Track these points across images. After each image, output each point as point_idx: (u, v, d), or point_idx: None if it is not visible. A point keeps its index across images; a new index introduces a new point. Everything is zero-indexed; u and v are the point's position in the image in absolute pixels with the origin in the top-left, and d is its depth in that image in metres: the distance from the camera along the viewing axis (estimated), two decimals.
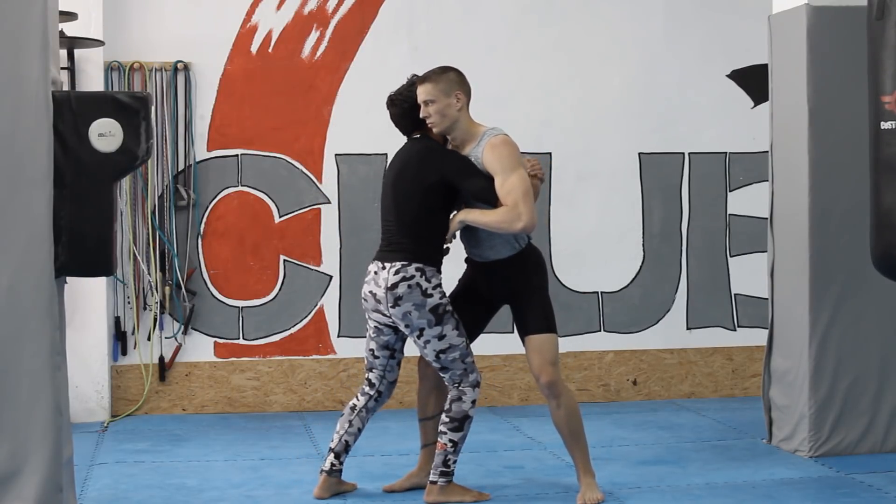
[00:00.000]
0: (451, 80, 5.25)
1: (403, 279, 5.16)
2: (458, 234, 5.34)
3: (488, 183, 5.16)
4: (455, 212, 5.30)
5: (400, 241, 5.25)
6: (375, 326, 5.35)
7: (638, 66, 7.82)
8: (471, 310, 5.37)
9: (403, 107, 5.36)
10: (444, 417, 5.26)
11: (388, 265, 5.20)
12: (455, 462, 5.27)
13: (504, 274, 5.30)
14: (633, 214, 7.85)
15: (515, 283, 5.29)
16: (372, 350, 5.42)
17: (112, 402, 7.29)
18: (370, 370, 5.45)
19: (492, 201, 5.15)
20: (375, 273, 5.24)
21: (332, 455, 5.42)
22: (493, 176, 5.14)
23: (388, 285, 5.16)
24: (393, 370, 5.45)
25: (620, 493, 5.44)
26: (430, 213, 5.22)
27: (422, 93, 5.25)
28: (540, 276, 5.33)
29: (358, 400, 5.47)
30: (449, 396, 5.29)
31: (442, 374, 5.30)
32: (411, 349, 5.51)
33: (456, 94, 5.23)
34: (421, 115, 5.27)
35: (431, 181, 5.21)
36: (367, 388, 5.46)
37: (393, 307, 5.17)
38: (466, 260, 5.44)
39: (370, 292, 5.26)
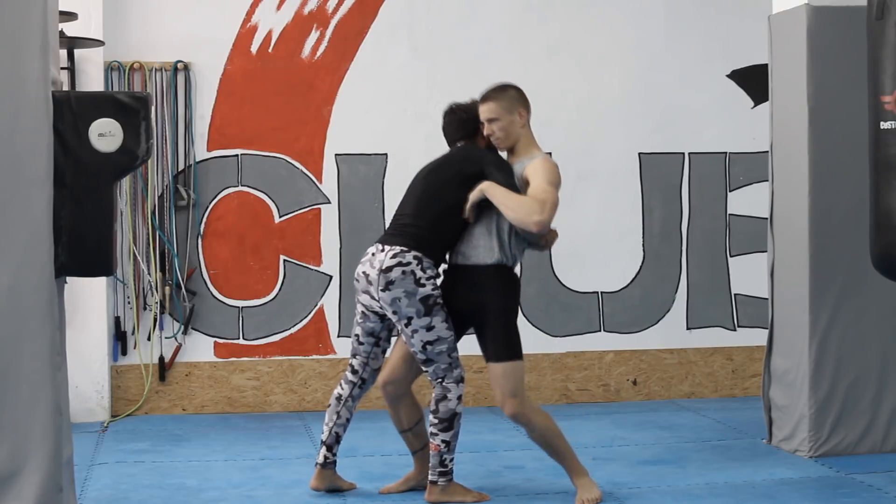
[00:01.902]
0: (513, 97, 5.30)
1: (399, 264, 5.13)
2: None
3: (515, 186, 5.18)
4: (472, 220, 5.27)
5: (409, 226, 5.23)
6: (362, 312, 5.33)
7: (638, 66, 7.82)
8: None
9: (462, 116, 5.39)
10: (432, 419, 5.22)
11: (387, 248, 5.18)
12: (452, 460, 5.25)
13: (476, 281, 5.22)
14: (633, 214, 7.85)
15: (486, 297, 5.20)
16: (357, 335, 5.40)
17: (112, 402, 7.30)
18: (354, 356, 5.44)
19: None
20: (373, 255, 5.22)
21: (324, 448, 5.42)
22: (530, 181, 5.15)
23: (383, 267, 5.13)
24: (377, 357, 5.43)
25: (620, 493, 5.44)
26: (455, 210, 5.19)
27: (485, 111, 5.28)
28: (510, 298, 5.25)
29: (342, 389, 5.45)
30: (433, 396, 5.24)
31: (425, 368, 5.24)
32: None
33: (519, 111, 5.29)
34: (485, 133, 5.32)
35: (470, 172, 5.22)
36: (350, 376, 5.44)
37: (383, 291, 5.13)
38: (444, 271, 5.38)
39: (363, 272, 5.22)
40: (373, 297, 5.21)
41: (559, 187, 5.21)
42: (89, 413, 7.15)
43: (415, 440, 5.47)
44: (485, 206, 5.21)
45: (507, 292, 5.24)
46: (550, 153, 7.66)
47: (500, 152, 5.42)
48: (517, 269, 5.37)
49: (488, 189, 5.14)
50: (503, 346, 5.18)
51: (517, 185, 5.21)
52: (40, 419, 4.34)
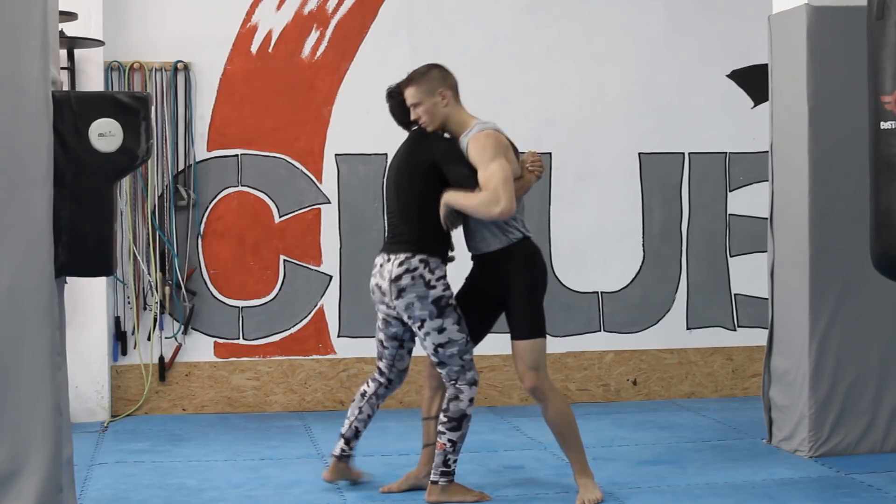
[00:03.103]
0: (434, 78, 5.29)
1: (407, 271, 5.17)
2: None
3: (470, 172, 5.17)
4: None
5: (403, 233, 5.27)
6: (383, 319, 5.40)
7: (638, 66, 7.82)
8: (474, 308, 5.35)
9: (399, 98, 5.41)
10: (441, 417, 5.26)
11: (392, 257, 5.23)
12: (455, 461, 5.28)
13: (495, 267, 5.28)
14: (633, 214, 7.85)
15: (505, 279, 5.25)
16: (381, 341, 5.48)
17: (112, 402, 7.29)
18: (380, 359, 5.52)
19: (470, 190, 5.16)
20: (381, 266, 5.28)
21: (342, 441, 5.51)
22: (477, 167, 5.15)
23: (392, 277, 5.19)
24: (403, 359, 5.50)
25: (620, 493, 5.44)
26: (431, 201, 5.21)
27: (408, 97, 5.32)
28: (530, 274, 5.27)
29: (368, 386, 5.54)
30: (446, 395, 5.29)
31: (439, 370, 5.30)
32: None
33: (440, 92, 5.27)
34: (412, 118, 5.34)
35: (426, 166, 5.25)
36: (377, 376, 5.53)
37: (397, 299, 5.19)
38: (472, 257, 5.45)
39: (376, 285, 5.30)
40: (389, 306, 5.28)
41: (503, 152, 5.14)
42: (89, 413, 7.15)
43: (432, 431, 5.48)
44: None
45: (526, 270, 5.26)
46: (550, 153, 7.70)
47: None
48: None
49: (449, 200, 5.18)
50: (523, 323, 5.23)
51: (466, 166, 5.17)
52: (40, 419, 4.34)
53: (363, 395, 5.53)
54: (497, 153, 5.14)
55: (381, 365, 5.51)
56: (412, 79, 5.31)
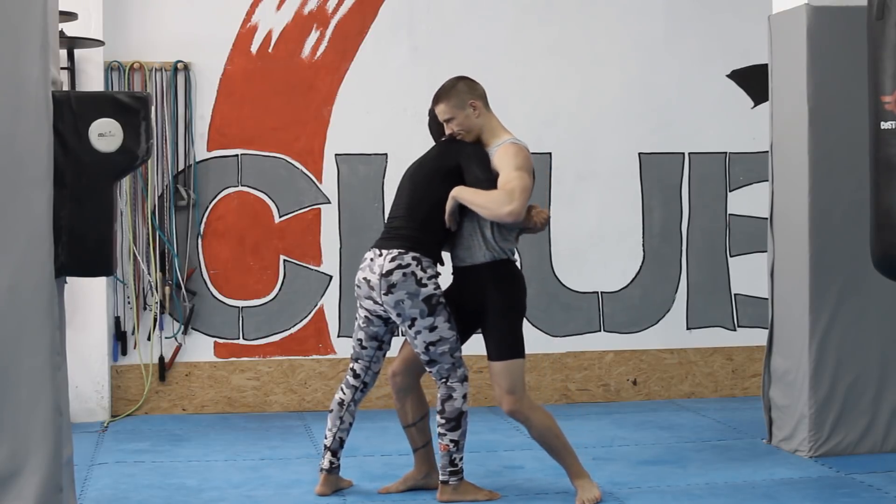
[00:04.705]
0: (462, 91, 5.30)
1: (399, 266, 5.13)
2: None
3: (489, 178, 5.14)
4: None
5: (401, 228, 5.24)
6: (366, 316, 5.33)
7: (638, 67, 7.82)
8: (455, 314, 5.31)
9: (436, 117, 5.42)
10: (439, 419, 5.23)
11: (385, 252, 5.19)
12: (461, 459, 5.26)
13: (476, 280, 5.23)
14: (633, 214, 7.85)
15: (485, 295, 5.19)
16: (360, 340, 5.39)
17: (112, 402, 7.30)
18: (356, 360, 5.43)
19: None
20: (371, 260, 5.23)
21: (328, 453, 5.43)
22: (499, 172, 5.14)
23: (383, 272, 5.14)
24: (378, 361, 5.43)
25: (620, 493, 5.44)
26: (443, 207, 5.18)
27: (439, 113, 5.33)
28: (510, 293, 5.22)
29: (344, 394, 5.43)
30: (439, 396, 5.25)
31: (429, 369, 5.25)
32: (396, 348, 5.51)
33: (471, 104, 5.28)
34: (447, 133, 5.35)
35: (450, 166, 5.23)
36: (352, 380, 5.43)
37: (386, 294, 5.14)
38: (452, 271, 5.41)
39: (364, 279, 5.23)
40: (376, 303, 5.22)
41: (529, 168, 5.17)
42: (89, 413, 7.15)
43: (418, 436, 5.47)
44: (465, 208, 5.21)
45: (506, 289, 5.22)
46: (550, 153, 7.70)
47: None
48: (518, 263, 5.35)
49: (459, 194, 5.15)
50: (501, 344, 5.19)
51: (487, 171, 5.18)
52: (40, 419, 4.34)
53: (341, 404, 5.42)
54: (524, 166, 5.14)
55: (357, 367, 5.42)
56: (440, 95, 5.32)
